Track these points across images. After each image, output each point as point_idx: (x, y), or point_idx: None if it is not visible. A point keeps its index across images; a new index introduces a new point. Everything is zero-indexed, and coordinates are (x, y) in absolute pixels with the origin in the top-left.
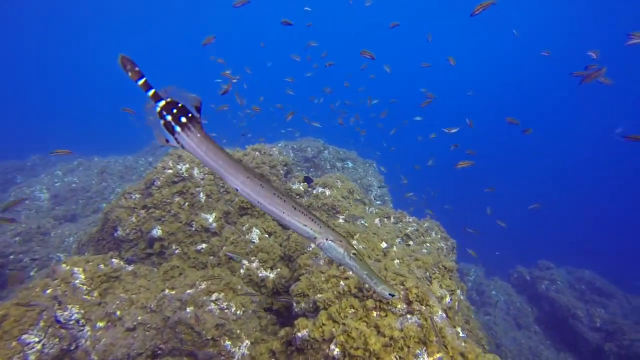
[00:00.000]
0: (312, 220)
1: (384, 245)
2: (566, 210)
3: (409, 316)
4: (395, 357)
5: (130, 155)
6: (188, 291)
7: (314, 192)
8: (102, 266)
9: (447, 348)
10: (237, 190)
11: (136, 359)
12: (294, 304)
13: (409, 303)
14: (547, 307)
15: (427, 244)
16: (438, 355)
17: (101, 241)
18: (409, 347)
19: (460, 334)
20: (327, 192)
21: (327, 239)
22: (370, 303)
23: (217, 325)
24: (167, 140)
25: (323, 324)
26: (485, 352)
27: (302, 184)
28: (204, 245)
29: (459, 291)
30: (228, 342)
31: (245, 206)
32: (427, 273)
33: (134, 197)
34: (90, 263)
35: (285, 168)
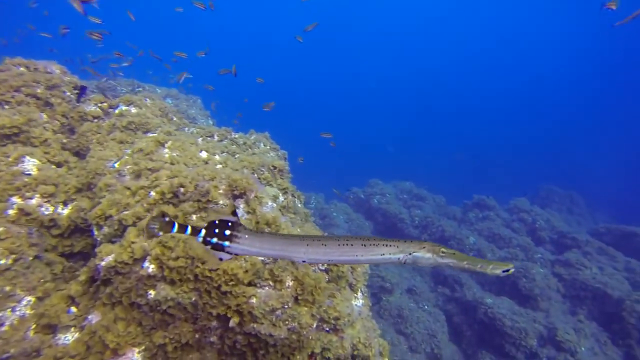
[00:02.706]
0: (386, 245)
1: (203, 154)
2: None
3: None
4: None
5: None
6: None
7: (116, 111)
8: None
9: None
10: (304, 262)
11: None
12: (94, 231)
13: (234, 197)
14: (380, 218)
15: (256, 154)
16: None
17: None
18: None
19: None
20: (134, 110)
21: (410, 254)
22: (189, 206)
23: None
24: (221, 259)
25: (132, 242)
26: None
27: (99, 105)
28: None
29: (290, 196)
30: None
31: (8, 133)
32: (255, 174)
33: None
34: None
35: (76, 91)
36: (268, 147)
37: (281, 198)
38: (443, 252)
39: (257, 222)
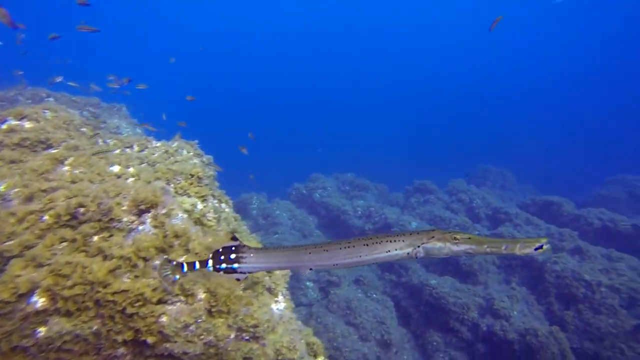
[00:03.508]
0: (391, 241)
1: (115, 168)
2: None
3: (140, 227)
4: (129, 277)
5: None
6: None
7: (3, 126)
8: None
9: (192, 247)
10: (310, 270)
11: None
12: None
13: (140, 213)
14: (323, 211)
15: (178, 162)
16: (182, 258)
17: None
18: (145, 259)
19: None
20: (28, 125)
21: (419, 246)
22: (88, 228)
23: None
24: (238, 280)
25: (17, 276)
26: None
27: None
28: None
29: (214, 200)
30: None
31: None
32: (170, 184)
33: None
34: None
35: None
36: (192, 153)
37: (199, 206)
38: (456, 239)
39: (165, 236)
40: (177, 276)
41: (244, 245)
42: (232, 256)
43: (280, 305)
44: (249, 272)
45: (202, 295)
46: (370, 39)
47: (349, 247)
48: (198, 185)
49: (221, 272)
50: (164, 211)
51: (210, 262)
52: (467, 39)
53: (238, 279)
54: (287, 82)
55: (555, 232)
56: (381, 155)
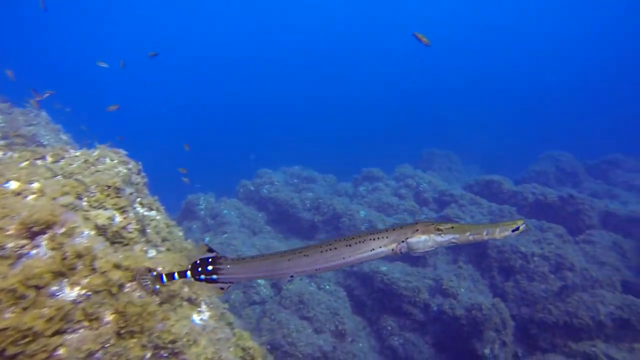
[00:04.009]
0: (374, 239)
1: (11, 185)
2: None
3: (33, 251)
4: (13, 312)
5: None
6: None
7: None
8: None
9: (99, 265)
10: (292, 277)
11: None
12: None
13: (32, 235)
14: (272, 207)
15: (100, 172)
16: (87, 279)
17: None
18: (38, 287)
19: (148, 250)
20: None
21: (403, 241)
22: None
23: None
24: (222, 288)
25: None
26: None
27: None
28: None
29: (142, 209)
30: None
31: None
32: (82, 198)
33: None
34: None
35: None
36: (116, 161)
37: (118, 219)
38: (440, 230)
39: (64, 258)
40: (157, 286)
41: (221, 257)
42: (209, 268)
43: (204, 315)
44: (229, 282)
45: (109, 317)
46: (305, 30)
47: (330, 249)
48: (116, 196)
49: (202, 283)
50: (62, 230)
51: (189, 274)
52: (408, 28)
53: (222, 288)
54: (224, 85)
55: (496, 209)
56: (330, 146)
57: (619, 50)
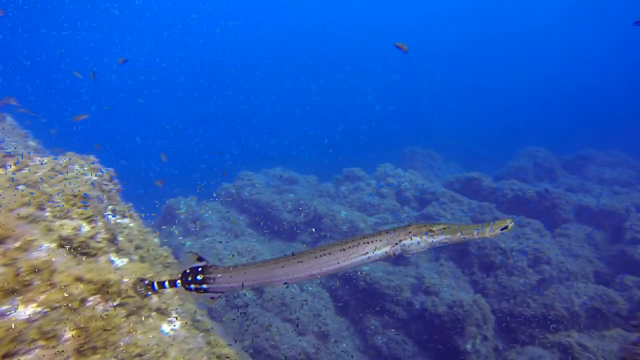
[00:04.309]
0: (368, 242)
1: None
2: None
3: None
4: None
5: None
6: None
7: None
8: None
9: (60, 279)
10: (287, 284)
11: None
12: None
13: None
14: (253, 209)
15: (69, 181)
16: (44, 295)
17: None
18: None
19: (117, 259)
20: None
21: (397, 243)
22: None
23: None
24: (212, 298)
25: None
26: (157, 266)
27: None
28: None
29: (114, 216)
30: None
31: None
32: (45, 208)
33: None
34: None
35: None
36: (86, 168)
37: (85, 228)
38: (432, 231)
39: (18, 274)
40: (149, 293)
41: (211, 266)
42: (199, 277)
43: (175, 324)
44: (220, 292)
45: (68, 334)
46: (284, 30)
47: (324, 254)
48: (83, 205)
49: (193, 293)
50: (17, 244)
51: (179, 283)
52: (385, 28)
53: (212, 298)
54: (205, 88)
55: (476, 206)
56: (312, 147)
57: (591, 50)
